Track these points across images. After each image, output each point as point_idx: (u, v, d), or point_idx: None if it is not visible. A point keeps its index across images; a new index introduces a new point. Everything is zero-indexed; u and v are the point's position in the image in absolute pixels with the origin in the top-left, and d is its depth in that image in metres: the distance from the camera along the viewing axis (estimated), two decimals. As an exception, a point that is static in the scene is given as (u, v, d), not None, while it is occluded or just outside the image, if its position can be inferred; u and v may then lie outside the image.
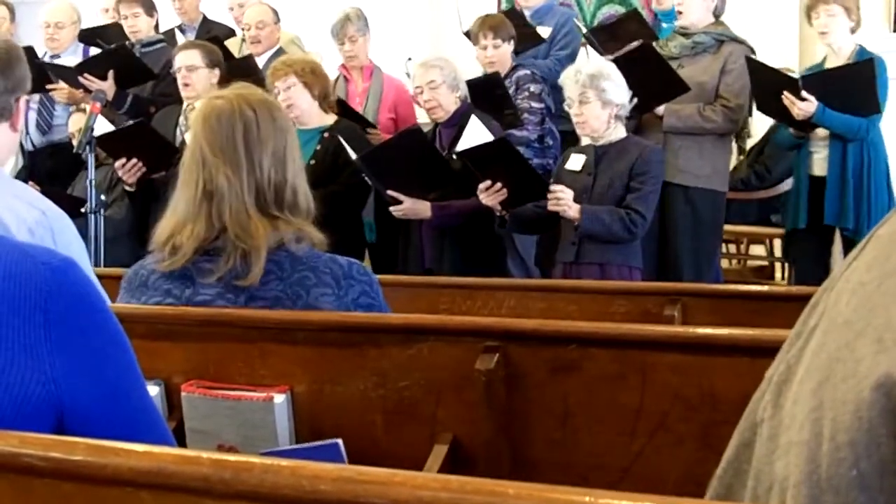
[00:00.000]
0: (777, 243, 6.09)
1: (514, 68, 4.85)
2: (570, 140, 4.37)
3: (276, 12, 5.64)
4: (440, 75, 4.33)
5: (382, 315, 2.11)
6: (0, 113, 2.02)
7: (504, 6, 7.09)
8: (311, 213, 2.14)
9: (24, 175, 5.33)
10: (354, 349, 1.96)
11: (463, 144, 4.02)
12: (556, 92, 4.38)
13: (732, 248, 6.38)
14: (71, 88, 5.34)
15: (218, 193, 2.04)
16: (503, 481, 0.83)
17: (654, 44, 4.59)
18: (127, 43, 5.56)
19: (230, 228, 2.03)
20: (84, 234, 2.66)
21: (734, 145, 4.99)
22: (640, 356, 1.81)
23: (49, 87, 5.38)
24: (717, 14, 4.61)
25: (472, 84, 4.58)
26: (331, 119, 4.41)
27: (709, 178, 4.45)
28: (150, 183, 4.58)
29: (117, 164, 4.57)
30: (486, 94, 4.64)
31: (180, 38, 5.81)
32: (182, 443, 1.97)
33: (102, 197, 4.36)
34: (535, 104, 4.73)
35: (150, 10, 5.74)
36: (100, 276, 2.01)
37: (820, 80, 4.40)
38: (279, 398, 1.96)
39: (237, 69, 4.83)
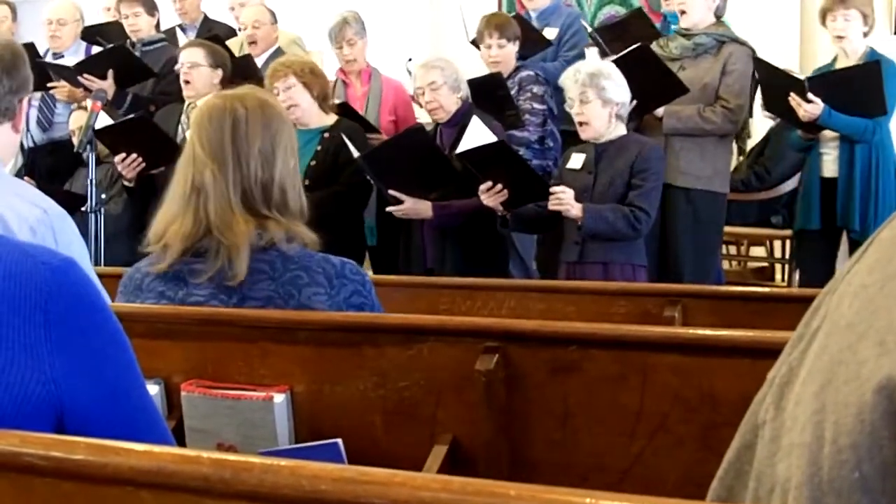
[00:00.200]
0: (777, 245, 6.09)
1: (517, 69, 4.84)
2: (571, 141, 4.37)
3: (273, 13, 5.64)
4: (441, 76, 4.33)
5: (382, 315, 2.11)
6: (3, 113, 2.03)
7: (505, 10, 7.09)
8: (304, 213, 2.14)
9: (23, 172, 5.33)
10: (354, 349, 1.96)
11: (464, 145, 4.02)
12: (560, 93, 4.38)
13: (732, 249, 6.38)
14: (71, 87, 5.34)
15: (204, 190, 2.06)
16: (504, 482, 0.83)
17: (654, 44, 4.59)
18: (128, 42, 5.56)
19: (213, 225, 2.03)
20: (84, 232, 2.66)
21: (734, 146, 4.98)
22: (640, 357, 1.81)
23: (50, 84, 5.38)
24: (718, 15, 4.60)
25: (473, 83, 4.57)
26: (331, 119, 4.41)
27: (710, 180, 4.45)
28: (149, 179, 4.56)
29: (117, 158, 4.56)
30: (488, 94, 4.63)
31: (181, 37, 5.82)
32: (182, 442, 1.97)
33: (103, 196, 4.36)
34: (537, 105, 4.73)
35: (152, 9, 5.74)
36: (100, 275, 2.02)
37: (826, 82, 4.40)
38: (279, 398, 1.96)
39: (236, 68, 4.83)
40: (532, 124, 4.71)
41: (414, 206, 4.24)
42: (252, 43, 5.49)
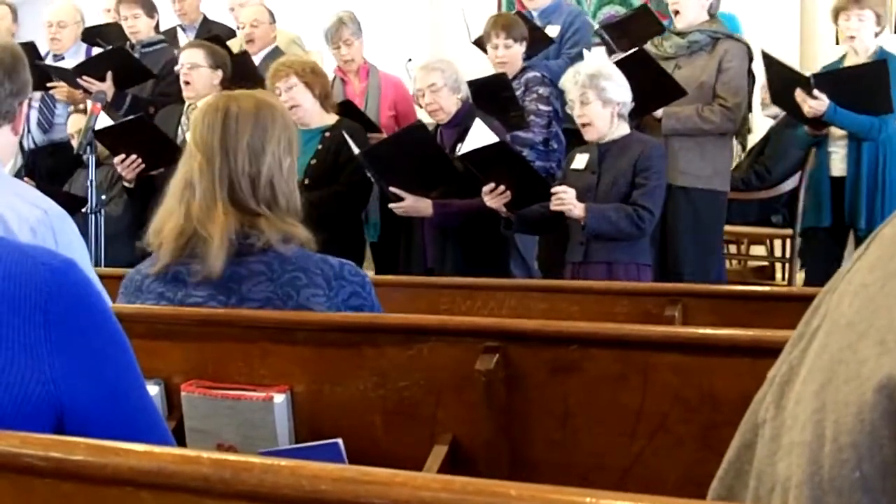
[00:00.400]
0: (777, 244, 6.08)
1: (523, 70, 4.82)
2: (575, 141, 4.36)
3: (271, 13, 5.64)
4: (441, 78, 4.33)
5: (382, 315, 2.11)
6: (4, 116, 2.04)
7: (504, 10, 7.09)
8: (298, 212, 2.13)
9: (23, 173, 5.34)
10: (354, 349, 1.96)
11: (467, 147, 4.01)
12: (562, 93, 4.37)
13: (733, 248, 6.37)
14: (70, 88, 5.34)
15: (192, 185, 2.07)
16: (505, 482, 0.83)
17: (648, 43, 4.58)
18: (127, 44, 5.56)
19: (195, 217, 2.04)
20: (84, 233, 2.66)
21: (736, 143, 4.97)
22: (640, 357, 1.81)
23: (49, 84, 5.38)
24: (711, 12, 4.59)
25: (477, 84, 4.56)
26: (332, 119, 4.41)
27: (710, 179, 4.44)
28: (149, 180, 4.55)
29: (116, 159, 4.56)
30: (491, 95, 4.62)
31: (182, 38, 5.82)
32: (182, 442, 1.97)
33: (103, 197, 4.36)
34: (542, 107, 4.71)
35: (151, 11, 5.75)
36: (100, 276, 2.02)
37: (833, 79, 4.40)
38: (279, 398, 1.95)
39: (233, 66, 4.82)
40: (537, 125, 4.70)
41: (414, 204, 4.24)
42: (249, 41, 5.49)
